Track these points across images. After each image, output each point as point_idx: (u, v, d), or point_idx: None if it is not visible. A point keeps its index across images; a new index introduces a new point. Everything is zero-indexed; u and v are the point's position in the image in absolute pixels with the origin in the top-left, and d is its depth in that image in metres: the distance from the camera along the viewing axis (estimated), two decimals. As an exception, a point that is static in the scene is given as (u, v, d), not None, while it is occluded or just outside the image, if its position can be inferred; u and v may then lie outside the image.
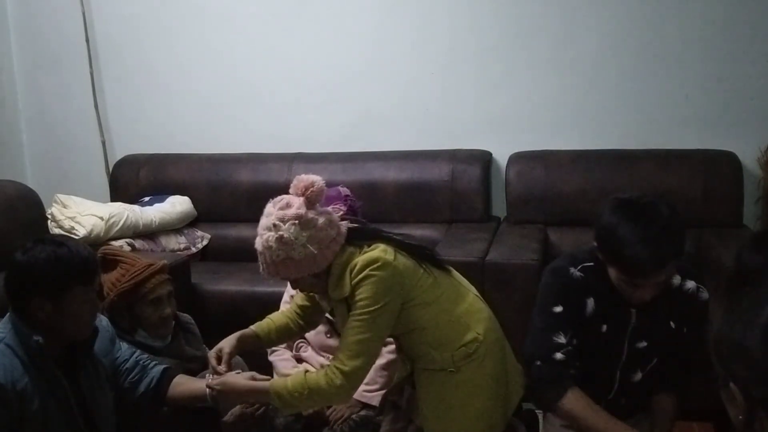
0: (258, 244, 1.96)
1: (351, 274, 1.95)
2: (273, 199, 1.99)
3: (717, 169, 3.41)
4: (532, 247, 3.14)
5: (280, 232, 1.90)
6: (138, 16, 4.12)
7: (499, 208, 3.78)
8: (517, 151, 3.69)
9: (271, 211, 1.96)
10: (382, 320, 1.95)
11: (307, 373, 1.98)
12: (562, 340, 1.91)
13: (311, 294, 2.20)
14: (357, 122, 3.95)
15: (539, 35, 3.68)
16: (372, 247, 1.99)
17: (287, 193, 1.99)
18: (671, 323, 1.93)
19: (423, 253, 2.08)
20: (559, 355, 1.90)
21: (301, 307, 2.26)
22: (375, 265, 1.93)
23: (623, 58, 3.62)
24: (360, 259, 1.95)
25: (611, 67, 3.64)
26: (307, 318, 2.25)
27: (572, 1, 3.63)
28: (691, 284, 1.94)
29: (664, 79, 3.59)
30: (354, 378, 1.95)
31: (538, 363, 1.93)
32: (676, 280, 1.93)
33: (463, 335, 2.04)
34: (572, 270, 1.94)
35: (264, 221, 1.95)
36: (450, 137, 3.83)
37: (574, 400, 1.87)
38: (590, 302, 1.92)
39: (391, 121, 3.91)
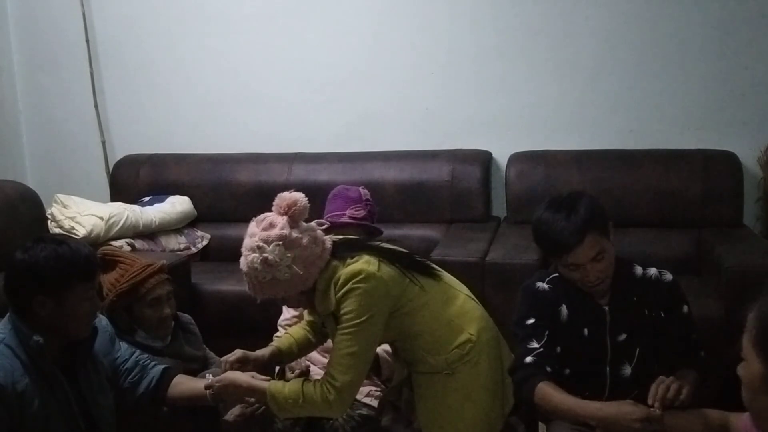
0: (243, 264, 1.94)
1: (335, 288, 1.94)
2: (256, 217, 1.97)
3: (717, 169, 3.40)
4: (532, 247, 3.12)
5: (265, 254, 1.88)
6: (138, 16, 4.12)
7: (499, 208, 3.78)
8: (517, 151, 3.69)
9: (255, 231, 1.93)
10: (370, 332, 1.94)
11: (304, 383, 1.97)
12: (534, 345, 2.03)
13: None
14: (357, 122, 3.95)
15: (539, 35, 3.68)
16: (355, 258, 1.97)
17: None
18: (645, 311, 2.04)
19: (408, 260, 2.07)
20: (529, 359, 2.02)
21: (308, 322, 2.26)
22: (358, 278, 1.92)
23: (623, 58, 3.62)
24: (343, 273, 1.94)
25: (611, 68, 3.64)
26: (318, 330, 2.25)
27: (572, 2, 3.63)
28: (652, 271, 2.09)
29: (664, 79, 3.59)
30: (347, 393, 1.95)
31: (515, 370, 2.06)
32: (638, 270, 2.09)
33: (456, 337, 2.04)
34: (539, 284, 2.10)
35: (248, 241, 1.93)
36: (450, 137, 3.83)
37: (543, 391, 1.96)
38: (563, 309, 2.06)
39: (391, 121, 3.91)
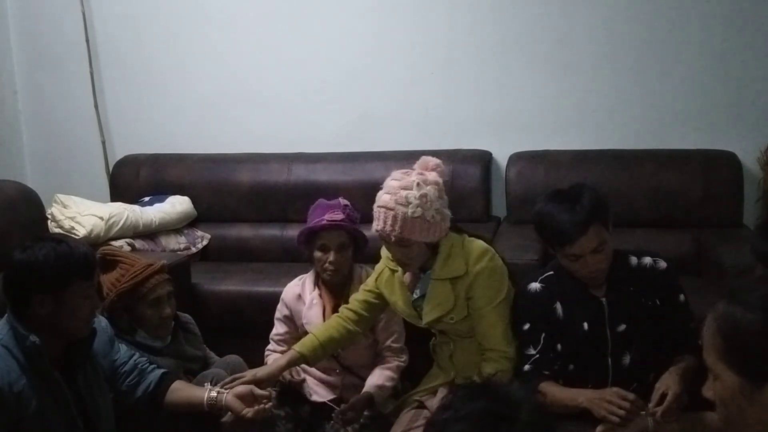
0: (387, 201, 2.05)
1: (469, 259, 2.09)
2: (395, 172, 2.11)
3: (717, 169, 3.40)
4: (532, 247, 3.13)
5: (424, 191, 2.03)
6: (138, 16, 4.12)
7: (499, 208, 3.78)
8: (517, 151, 3.69)
9: (404, 176, 2.07)
10: (508, 303, 2.14)
11: (481, 369, 2.10)
12: (531, 352, 2.11)
13: (372, 291, 2.30)
14: (357, 122, 3.94)
15: (539, 35, 3.68)
16: (471, 238, 2.16)
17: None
18: (642, 300, 2.08)
19: None
20: (527, 367, 2.10)
21: (363, 302, 2.32)
22: (490, 256, 2.11)
23: (623, 58, 3.62)
24: (474, 248, 2.12)
25: (611, 67, 3.64)
26: (370, 312, 2.33)
27: (572, 2, 3.63)
28: (647, 260, 2.12)
29: (664, 79, 3.59)
30: (514, 358, 2.11)
31: (515, 377, 2.13)
32: (633, 260, 2.12)
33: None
34: (531, 286, 2.15)
35: (396, 183, 2.06)
36: (450, 137, 3.82)
37: (543, 389, 2.03)
38: (558, 307, 2.10)
39: (391, 121, 3.91)
